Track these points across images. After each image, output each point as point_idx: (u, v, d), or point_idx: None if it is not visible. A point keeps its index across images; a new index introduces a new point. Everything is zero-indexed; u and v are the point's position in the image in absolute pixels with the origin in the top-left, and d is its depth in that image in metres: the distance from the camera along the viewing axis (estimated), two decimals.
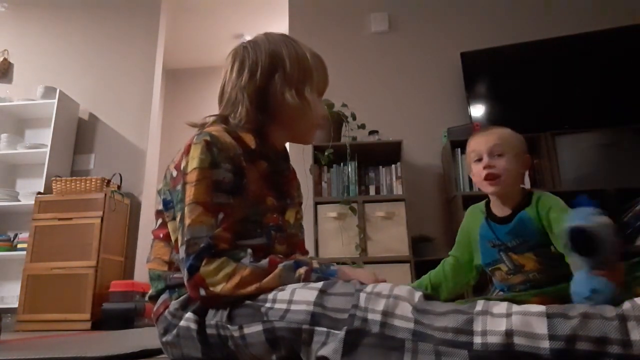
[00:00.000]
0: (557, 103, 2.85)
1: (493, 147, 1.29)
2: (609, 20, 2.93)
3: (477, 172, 1.31)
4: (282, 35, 0.99)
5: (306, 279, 0.77)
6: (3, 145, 3.38)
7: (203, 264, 0.75)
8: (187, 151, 0.83)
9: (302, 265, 0.79)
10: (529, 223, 1.25)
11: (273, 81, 0.92)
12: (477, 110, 2.99)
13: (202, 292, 0.75)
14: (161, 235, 0.89)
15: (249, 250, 0.79)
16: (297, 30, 3.45)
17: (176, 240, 0.82)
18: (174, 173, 0.85)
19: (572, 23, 3.05)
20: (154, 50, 3.73)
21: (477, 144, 1.33)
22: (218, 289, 0.74)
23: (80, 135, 3.59)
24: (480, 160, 1.31)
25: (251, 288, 0.75)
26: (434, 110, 3.19)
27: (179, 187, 0.82)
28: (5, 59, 3.83)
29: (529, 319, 0.57)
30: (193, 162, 0.81)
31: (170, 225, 0.86)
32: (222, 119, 0.93)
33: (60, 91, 3.41)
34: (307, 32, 3.43)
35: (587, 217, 0.78)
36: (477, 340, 0.57)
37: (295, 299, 0.71)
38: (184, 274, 0.77)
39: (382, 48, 3.40)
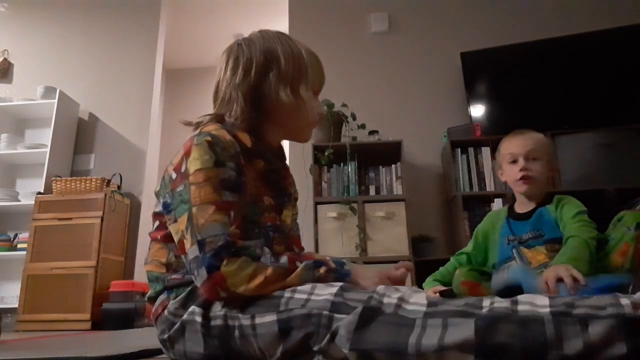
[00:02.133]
0: (557, 103, 2.85)
1: (530, 151, 1.38)
2: (609, 20, 2.93)
3: (512, 172, 1.40)
4: (278, 32, 0.98)
5: (325, 279, 0.79)
6: (3, 145, 3.37)
7: (224, 263, 0.74)
8: (188, 153, 0.82)
9: (322, 265, 0.80)
10: (547, 217, 1.36)
11: (267, 79, 0.92)
12: (477, 110, 2.99)
13: (222, 293, 0.74)
14: (159, 237, 0.88)
15: (266, 249, 0.80)
16: (297, 30, 3.45)
17: (179, 242, 0.80)
18: (174, 175, 0.84)
19: (572, 23, 3.05)
20: (154, 50, 3.73)
21: (515, 146, 1.41)
22: (240, 289, 0.74)
23: (80, 135, 3.59)
24: (515, 161, 1.40)
25: (274, 287, 0.75)
26: (434, 110, 3.19)
27: (180, 188, 0.81)
28: (5, 59, 3.83)
29: (533, 296, 0.63)
30: (196, 162, 0.80)
31: (171, 228, 0.84)
32: (218, 118, 0.92)
33: (60, 91, 3.41)
34: (307, 32, 3.43)
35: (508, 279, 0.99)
36: (485, 310, 0.62)
37: (317, 292, 0.73)
38: (198, 274, 0.75)
39: (382, 48, 3.40)
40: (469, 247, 1.50)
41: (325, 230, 2.56)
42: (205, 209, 0.77)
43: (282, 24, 3.70)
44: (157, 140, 3.84)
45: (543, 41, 2.94)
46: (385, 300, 0.67)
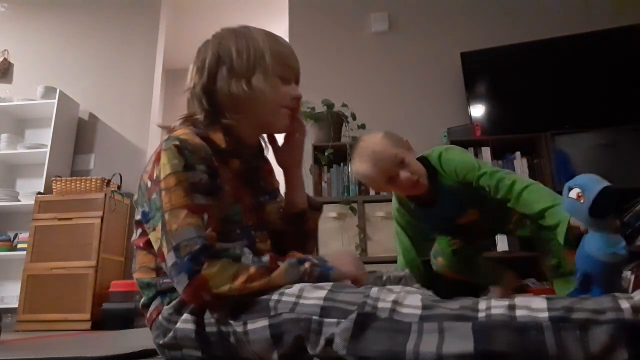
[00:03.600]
0: (557, 103, 2.85)
1: (400, 162, 1.30)
2: (609, 20, 2.93)
3: (403, 185, 1.32)
4: (238, 27, 0.98)
5: (310, 273, 0.78)
6: (3, 145, 3.37)
7: (205, 266, 0.73)
8: (158, 159, 0.81)
9: (306, 261, 0.80)
10: (452, 189, 1.36)
11: (218, 76, 0.92)
12: (477, 110, 2.99)
13: (205, 296, 0.74)
14: (142, 245, 0.88)
15: (246, 249, 0.79)
16: (297, 30, 3.45)
17: (159, 250, 0.79)
18: (149, 183, 0.83)
19: (573, 23, 3.05)
20: (154, 50, 3.73)
21: (385, 166, 1.30)
22: (225, 289, 0.73)
23: (80, 135, 3.59)
24: (393, 177, 1.31)
25: (260, 283, 0.75)
26: (434, 110, 3.19)
27: (154, 196, 0.80)
28: (5, 59, 3.83)
29: (530, 299, 0.62)
30: (166, 168, 0.79)
31: (151, 236, 0.83)
32: (189, 121, 0.93)
33: (60, 91, 3.41)
34: (307, 32, 3.43)
35: (600, 181, 0.94)
36: (482, 315, 0.61)
37: (305, 294, 0.72)
38: (178, 280, 0.75)
39: (382, 48, 3.40)
40: (409, 254, 1.50)
41: (325, 230, 2.55)
42: (177, 214, 0.77)
43: (282, 24, 3.70)
44: (157, 140, 3.82)
45: (543, 41, 2.93)
46: (380, 304, 0.66)
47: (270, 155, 1.06)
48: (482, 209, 1.38)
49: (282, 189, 1.08)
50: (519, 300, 0.62)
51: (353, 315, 0.65)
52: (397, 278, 0.90)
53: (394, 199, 1.50)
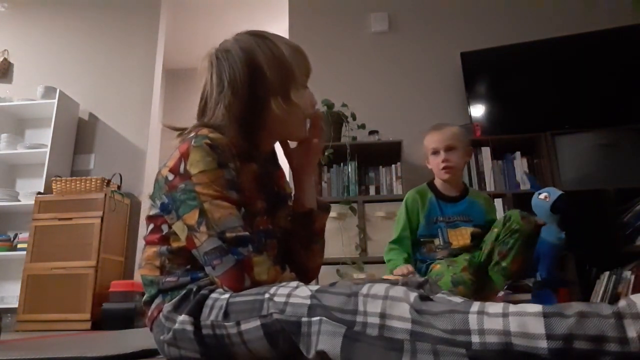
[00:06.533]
0: (557, 103, 2.85)
1: (448, 144, 1.67)
2: (609, 20, 2.93)
3: (435, 163, 1.70)
4: (253, 36, 0.95)
5: None
6: (3, 145, 3.37)
7: (252, 252, 0.78)
8: (185, 155, 0.82)
9: None
10: (477, 206, 1.70)
11: (256, 94, 0.90)
12: (477, 110, 2.99)
13: (247, 280, 0.77)
14: (156, 240, 0.88)
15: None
16: (297, 30, 3.45)
17: (187, 238, 0.81)
18: (170, 177, 0.83)
19: (573, 23, 3.05)
20: (154, 50, 3.73)
21: (435, 141, 1.70)
22: (264, 278, 0.78)
23: (80, 135, 3.59)
24: (436, 153, 1.69)
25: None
26: (434, 110, 3.19)
27: (181, 186, 0.81)
28: (5, 59, 3.83)
29: (525, 320, 0.57)
30: (199, 165, 0.80)
31: (176, 226, 0.83)
32: (207, 125, 0.90)
33: (60, 91, 3.41)
34: (307, 32, 3.43)
35: (559, 191, 1.57)
36: (475, 339, 0.58)
37: (295, 293, 0.72)
38: (222, 261, 0.77)
39: (382, 48, 3.40)
40: (404, 231, 1.70)
41: (325, 230, 2.55)
42: (218, 204, 0.79)
43: (282, 24, 3.70)
44: (157, 140, 3.83)
45: (543, 41, 2.94)
46: (369, 319, 0.64)
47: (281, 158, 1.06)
48: (472, 237, 1.64)
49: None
50: (514, 322, 0.57)
51: (342, 331, 0.65)
52: (415, 284, 0.86)
53: (413, 190, 1.77)
